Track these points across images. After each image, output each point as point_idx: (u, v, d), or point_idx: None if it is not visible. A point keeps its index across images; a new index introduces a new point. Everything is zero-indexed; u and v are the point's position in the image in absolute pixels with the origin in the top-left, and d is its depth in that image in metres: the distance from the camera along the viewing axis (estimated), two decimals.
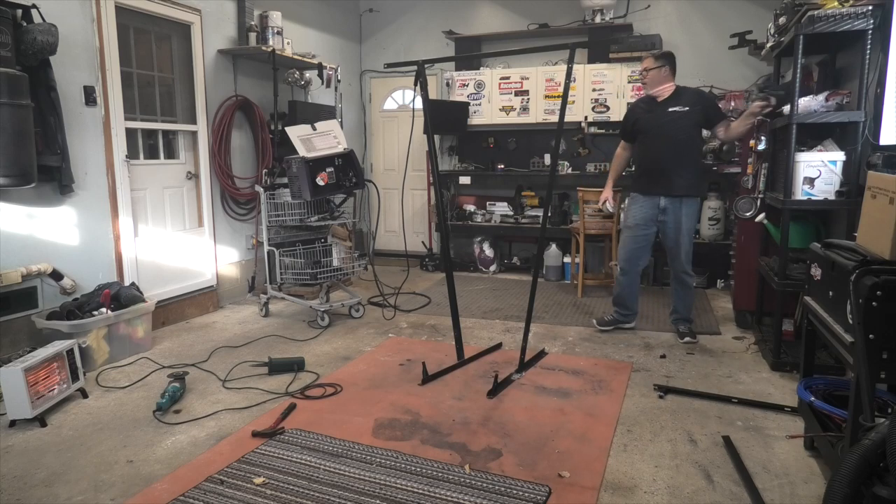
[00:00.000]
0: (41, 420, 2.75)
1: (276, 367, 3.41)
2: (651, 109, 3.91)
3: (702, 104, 3.86)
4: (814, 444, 2.40)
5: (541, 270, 5.72)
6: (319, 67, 5.35)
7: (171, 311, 4.39)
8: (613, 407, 2.89)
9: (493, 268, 6.26)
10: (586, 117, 5.78)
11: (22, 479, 2.29)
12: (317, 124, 4.24)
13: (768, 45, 4.10)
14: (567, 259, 5.82)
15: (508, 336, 4.04)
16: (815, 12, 3.04)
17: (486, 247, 6.27)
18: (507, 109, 6.09)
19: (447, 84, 6.31)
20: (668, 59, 3.88)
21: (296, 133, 4.24)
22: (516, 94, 6.04)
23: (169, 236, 4.43)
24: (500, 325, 4.33)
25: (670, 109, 3.82)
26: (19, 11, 3.21)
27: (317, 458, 2.40)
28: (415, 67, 3.48)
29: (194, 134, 4.64)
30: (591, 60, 5.81)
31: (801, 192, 3.21)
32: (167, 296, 4.34)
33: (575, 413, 2.83)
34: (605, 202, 4.24)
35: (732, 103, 5.40)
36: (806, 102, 3.23)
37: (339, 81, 5.62)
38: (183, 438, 2.62)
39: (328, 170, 4.05)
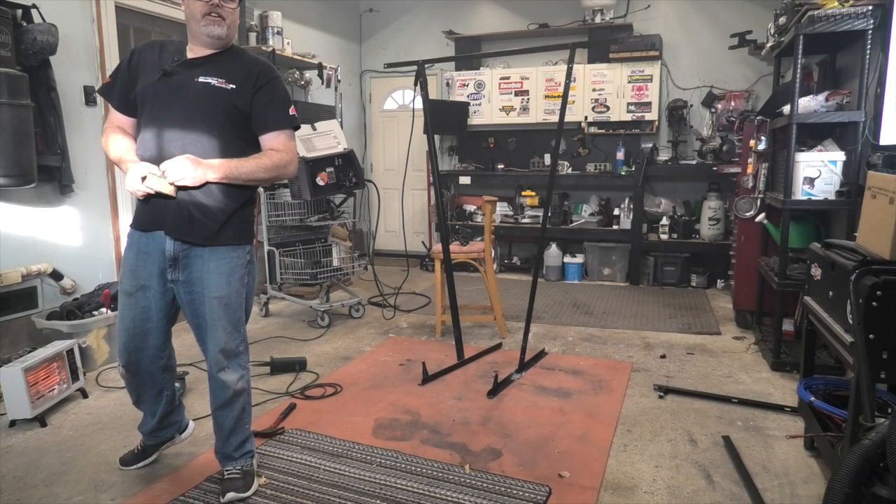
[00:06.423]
0: (41, 420, 2.75)
1: (278, 366, 3.41)
2: (177, 71, 2.06)
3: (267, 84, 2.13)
4: (814, 444, 2.40)
5: (541, 270, 5.72)
6: (319, 67, 5.35)
7: None
8: (613, 407, 2.89)
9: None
10: (586, 117, 5.78)
11: (22, 479, 2.29)
12: (317, 124, 4.24)
13: (768, 45, 4.10)
14: (567, 259, 5.82)
15: (508, 336, 4.04)
16: (815, 12, 3.04)
17: None
18: (507, 109, 6.09)
19: (447, 84, 6.31)
20: None
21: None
22: (516, 94, 6.03)
23: None
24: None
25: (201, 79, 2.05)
26: (19, 11, 3.21)
27: (317, 458, 2.40)
28: (415, 67, 3.48)
29: None
30: (591, 60, 5.81)
31: (801, 192, 3.21)
32: None
33: (575, 413, 2.83)
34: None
35: (732, 103, 5.41)
36: (806, 102, 3.23)
37: (339, 81, 5.62)
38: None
39: (328, 170, 4.05)
